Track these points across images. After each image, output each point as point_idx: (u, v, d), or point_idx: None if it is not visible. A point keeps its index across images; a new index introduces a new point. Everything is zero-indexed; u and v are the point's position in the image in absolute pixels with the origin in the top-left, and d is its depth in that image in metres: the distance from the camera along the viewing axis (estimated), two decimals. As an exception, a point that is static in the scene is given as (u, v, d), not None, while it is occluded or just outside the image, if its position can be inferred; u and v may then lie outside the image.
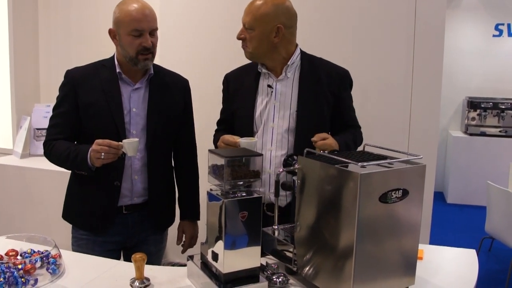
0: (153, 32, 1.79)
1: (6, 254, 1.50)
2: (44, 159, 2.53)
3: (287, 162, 1.42)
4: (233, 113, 1.92)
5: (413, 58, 2.55)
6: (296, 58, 1.86)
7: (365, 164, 1.21)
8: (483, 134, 5.55)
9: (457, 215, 5.20)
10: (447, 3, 2.60)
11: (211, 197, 1.29)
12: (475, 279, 1.49)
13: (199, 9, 2.97)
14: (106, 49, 3.14)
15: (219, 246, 1.26)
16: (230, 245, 1.24)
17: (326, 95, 1.84)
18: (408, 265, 1.33)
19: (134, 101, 1.84)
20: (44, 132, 3.15)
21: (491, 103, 5.53)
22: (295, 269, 1.42)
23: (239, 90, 1.91)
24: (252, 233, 1.27)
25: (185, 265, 1.45)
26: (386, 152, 1.41)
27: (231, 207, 1.22)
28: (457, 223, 4.91)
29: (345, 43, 2.66)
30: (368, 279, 1.24)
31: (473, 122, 5.63)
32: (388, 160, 1.28)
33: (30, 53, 3.39)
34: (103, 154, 1.64)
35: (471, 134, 5.60)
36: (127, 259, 1.95)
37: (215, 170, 1.28)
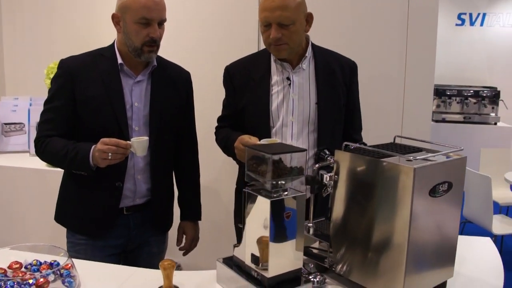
0: (161, 22, 1.65)
1: (9, 267, 1.33)
2: (15, 156, 2.33)
3: (320, 156, 1.34)
4: (242, 109, 1.82)
5: (406, 48, 2.55)
6: (310, 49, 1.80)
7: (411, 157, 1.17)
8: (447, 121, 5.72)
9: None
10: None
11: (250, 196, 1.19)
12: (501, 266, 1.50)
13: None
14: (78, 38, 2.97)
15: (261, 249, 1.18)
16: (275, 247, 1.16)
17: (342, 86, 1.82)
18: (448, 258, 1.31)
19: (136, 95, 1.71)
20: (13, 127, 2.92)
21: (455, 91, 5.71)
22: (327, 265, 1.36)
23: (248, 84, 1.81)
24: (296, 233, 1.20)
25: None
26: (417, 143, 1.39)
27: (277, 207, 1.14)
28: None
29: (339, 33, 2.60)
30: (416, 273, 1.20)
31: (438, 109, 5.80)
32: (435, 154, 1.24)
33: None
34: (110, 154, 1.50)
35: (436, 121, 5.77)
36: (128, 262, 1.83)
37: (254, 168, 1.19)
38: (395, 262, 1.18)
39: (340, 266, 1.32)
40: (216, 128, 1.96)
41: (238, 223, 1.25)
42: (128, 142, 1.55)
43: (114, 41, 1.74)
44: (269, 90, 1.77)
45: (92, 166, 1.59)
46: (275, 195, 1.15)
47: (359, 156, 1.22)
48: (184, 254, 1.98)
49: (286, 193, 1.18)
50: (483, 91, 5.63)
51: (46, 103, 1.71)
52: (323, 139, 1.78)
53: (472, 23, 5.96)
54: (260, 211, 1.16)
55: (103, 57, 1.70)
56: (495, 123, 5.60)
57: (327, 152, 1.35)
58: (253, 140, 1.59)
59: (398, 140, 1.43)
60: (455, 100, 5.73)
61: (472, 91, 5.67)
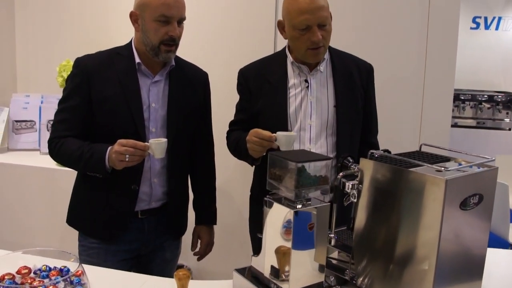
0: (181, 21, 1.61)
1: (18, 272, 1.29)
2: (25, 154, 2.26)
3: (343, 164, 1.28)
4: (259, 113, 1.77)
5: (426, 52, 2.47)
6: (327, 51, 1.75)
7: (441, 168, 1.11)
8: (460, 126, 5.63)
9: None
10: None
11: (272, 205, 1.14)
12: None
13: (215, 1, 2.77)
14: (90, 36, 2.93)
15: (281, 261, 1.12)
16: (297, 260, 1.10)
17: (359, 89, 1.78)
18: (476, 272, 1.25)
19: (154, 96, 1.66)
20: (24, 125, 2.89)
21: (469, 95, 5.61)
22: (348, 278, 1.31)
23: (264, 87, 1.76)
24: (319, 245, 1.14)
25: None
26: (445, 152, 1.33)
27: (300, 218, 1.08)
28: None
29: (356, 36, 2.54)
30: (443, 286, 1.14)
31: (451, 114, 5.70)
32: (466, 165, 1.18)
33: (5, 40, 3.08)
34: (127, 156, 1.45)
35: (450, 126, 5.67)
36: (140, 267, 1.79)
37: (276, 176, 1.13)
38: (421, 277, 1.12)
39: (361, 278, 1.27)
40: (228, 132, 1.91)
41: (257, 232, 1.19)
42: (146, 143, 1.51)
43: (132, 39, 1.70)
44: (287, 93, 1.73)
45: (108, 168, 1.55)
46: (299, 205, 1.10)
47: (385, 165, 1.16)
48: (199, 259, 1.94)
49: (309, 203, 1.12)
50: (497, 96, 5.54)
51: (61, 102, 1.67)
52: (341, 143, 1.73)
53: (487, 27, 5.86)
54: (281, 222, 1.11)
55: (120, 56, 1.66)
56: (509, 129, 5.50)
57: (351, 160, 1.29)
58: (266, 132, 1.55)
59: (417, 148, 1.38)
60: (469, 104, 5.63)
61: (486, 96, 5.57)
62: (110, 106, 1.60)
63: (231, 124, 1.92)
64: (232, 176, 2.65)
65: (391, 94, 2.52)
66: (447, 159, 1.27)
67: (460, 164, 1.18)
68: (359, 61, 1.84)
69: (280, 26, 1.73)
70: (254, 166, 1.84)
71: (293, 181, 1.07)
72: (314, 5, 1.58)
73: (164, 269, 1.82)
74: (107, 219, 1.67)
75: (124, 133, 1.57)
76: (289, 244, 1.09)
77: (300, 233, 1.10)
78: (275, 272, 1.14)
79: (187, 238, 1.93)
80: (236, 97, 1.91)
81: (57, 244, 2.44)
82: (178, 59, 1.75)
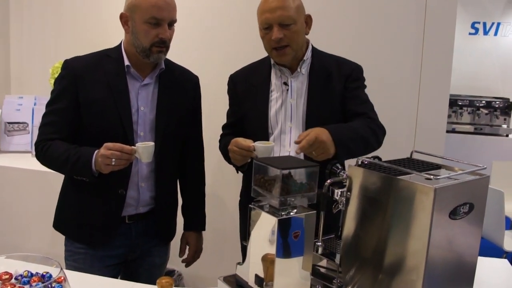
0: (172, 23, 1.59)
1: (-1, 277, 1.26)
2: (18, 156, 2.21)
3: (332, 171, 1.26)
4: (244, 116, 1.77)
5: (422, 56, 2.45)
6: (309, 53, 1.74)
7: (431, 176, 1.09)
8: (458, 131, 5.61)
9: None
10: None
11: (256, 213, 1.12)
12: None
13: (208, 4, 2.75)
14: (85, 38, 2.91)
15: (266, 270, 1.10)
16: (281, 269, 1.08)
17: (339, 89, 1.71)
18: (466, 282, 1.23)
19: (143, 99, 1.64)
20: (16, 127, 2.87)
21: (467, 101, 5.60)
22: (335, 287, 1.28)
23: (249, 90, 1.77)
24: (305, 253, 1.12)
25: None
26: (436, 160, 1.31)
27: (284, 226, 1.06)
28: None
29: (352, 39, 2.52)
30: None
31: (448, 119, 5.69)
32: (457, 173, 1.16)
33: (-1, 41, 3.07)
34: (114, 159, 1.43)
35: (446, 131, 5.65)
36: (128, 273, 1.76)
37: (261, 182, 1.11)
38: (410, 287, 1.10)
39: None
40: (221, 136, 1.91)
41: (243, 240, 1.17)
42: (133, 147, 1.49)
43: (121, 42, 1.68)
44: (268, 96, 1.72)
45: (94, 172, 1.52)
46: (283, 213, 1.07)
47: (374, 172, 1.14)
48: (187, 266, 1.91)
49: (295, 211, 1.10)
50: (495, 102, 5.52)
51: (48, 105, 1.65)
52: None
53: (485, 33, 5.86)
54: (266, 230, 1.09)
55: (109, 58, 1.64)
56: (507, 135, 5.49)
57: (339, 167, 1.26)
58: (248, 142, 1.54)
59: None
60: (466, 110, 5.62)
61: (484, 102, 5.56)
62: (98, 109, 1.58)
63: (223, 127, 1.93)
64: (224, 181, 2.63)
65: (385, 98, 2.48)
66: (437, 167, 1.24)
67: (449, 172, 1.16)
68: (344, 61, 1.78)
69: None
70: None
71: (277, 188, 1.05)
72: (274, 4, 1.59)
73: (153, 274, 1.79)
74: (94, 224, 1.65)
75: (111, 136, 1.55)
76: (273, 253, 1.07)
77: (285, 242, 1.07)
78: (259, 281, 1.12)
79: (176, 243, 1.91)
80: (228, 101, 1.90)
81: (49, 247, 2.42)
82: (168, 62, 1.73)
